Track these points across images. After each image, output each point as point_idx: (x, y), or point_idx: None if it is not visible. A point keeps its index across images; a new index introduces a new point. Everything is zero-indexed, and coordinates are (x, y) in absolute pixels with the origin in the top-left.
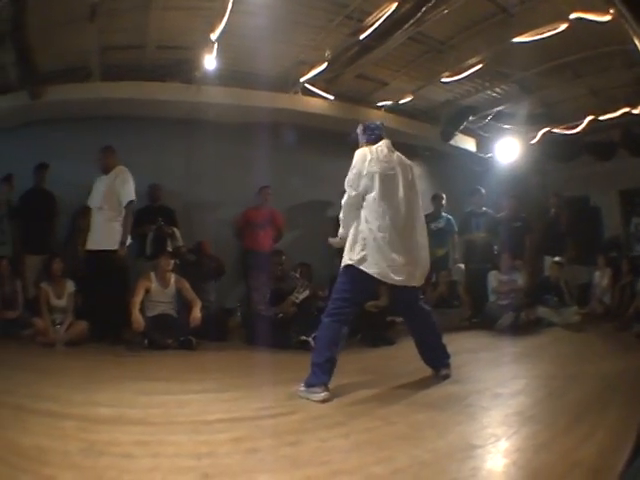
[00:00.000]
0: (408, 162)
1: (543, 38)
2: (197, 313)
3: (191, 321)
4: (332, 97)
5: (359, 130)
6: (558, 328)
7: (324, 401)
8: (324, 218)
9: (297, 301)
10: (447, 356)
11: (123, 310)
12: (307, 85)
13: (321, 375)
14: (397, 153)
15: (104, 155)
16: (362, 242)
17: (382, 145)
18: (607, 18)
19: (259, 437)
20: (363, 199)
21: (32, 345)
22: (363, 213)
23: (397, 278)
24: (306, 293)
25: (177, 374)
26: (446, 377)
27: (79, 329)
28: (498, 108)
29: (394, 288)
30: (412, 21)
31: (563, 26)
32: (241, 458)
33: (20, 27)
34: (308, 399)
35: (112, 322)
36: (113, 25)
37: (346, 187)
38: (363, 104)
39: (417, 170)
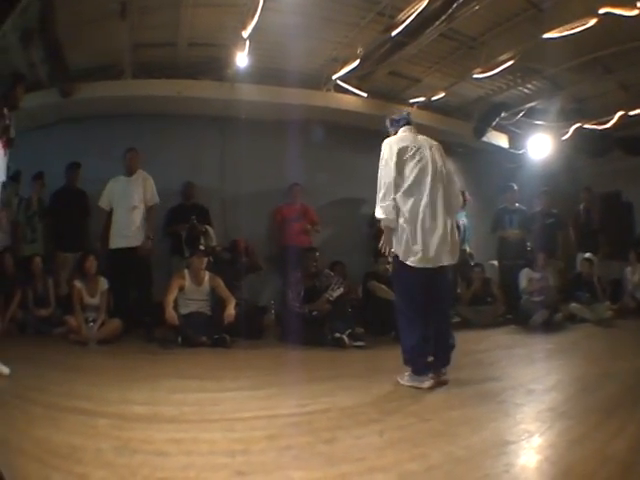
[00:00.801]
0: (433, 142)
1: (573, 33)
2: (231, 310)
3: (225, 318)
4: (365, 94)
5: (387, 124)
6: (590, 324)
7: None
8: (357, 216)
9: (331, 299)
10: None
11: (153, 306)
12: (339, 82)
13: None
14: (421, 136)
15: (132, 156)
16: (402, 233)
17: (405, 130)
18: (635, 12)
19: (293, 434)
20: (396, 186)
21: (64, 343)
22: (398, 200)
23: (437, 261)
24: (340, 291)
25: (211, 372)
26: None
27: (112, 327)
28: (530, 104)
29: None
30: (443, 18)
31: (593, 21)
32: (275, 455)
33: (48, 24)
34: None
35: (142, 319)
36: (144, 22)
37: (379, 179)
38: (396, 101)
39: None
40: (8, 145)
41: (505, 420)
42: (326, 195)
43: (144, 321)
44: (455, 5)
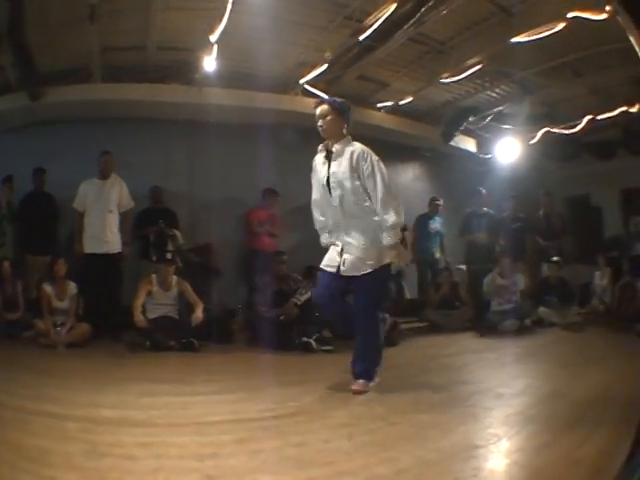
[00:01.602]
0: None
1: (542, 38)
2: (199, 313)
3: (192, 320)
4: None
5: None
6: (559, 328)
7: None
8: None
9: (299, 303)
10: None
11: (121, 309)
12: (306, 86)
13: None
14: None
15: (107, 160)
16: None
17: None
18: (604, 16)
19: (263, 438)
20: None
21: (34, 346)
22: None
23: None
24: (308, 295)
25: (180, 376)
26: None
27: (80, 331)
28: (498, 108)
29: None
30: (412, 21)
31: (561, 25)
32: (245, 459)
33: (18, 27)
34: None
35: (110, 321)
36: (113, 26)
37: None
38: (363, 105)
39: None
40: None
41: (474, 424)
42: (294, 198)
43: (112, 324)
44: (424, 9)
